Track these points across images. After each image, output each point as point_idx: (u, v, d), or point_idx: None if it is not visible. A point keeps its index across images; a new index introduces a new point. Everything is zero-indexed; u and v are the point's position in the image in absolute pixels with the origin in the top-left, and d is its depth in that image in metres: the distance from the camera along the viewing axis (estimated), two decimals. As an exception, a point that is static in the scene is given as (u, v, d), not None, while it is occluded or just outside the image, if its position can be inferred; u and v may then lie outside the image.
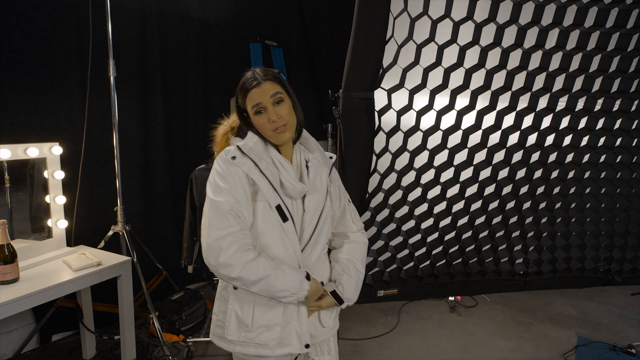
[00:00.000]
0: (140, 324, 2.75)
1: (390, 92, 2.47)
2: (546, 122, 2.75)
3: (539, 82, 2.63)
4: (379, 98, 2.48)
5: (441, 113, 2.56)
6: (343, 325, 2.81)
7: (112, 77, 2.44)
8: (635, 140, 2.89)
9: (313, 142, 1.23)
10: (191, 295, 2.93)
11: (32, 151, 2.10)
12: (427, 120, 2.60)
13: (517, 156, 2.81)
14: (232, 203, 1.09)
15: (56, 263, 2.11)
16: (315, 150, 1.22)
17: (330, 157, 1.26)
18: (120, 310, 2.22)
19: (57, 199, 2.23)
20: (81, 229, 2.61)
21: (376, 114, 2.51)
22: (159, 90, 3.11)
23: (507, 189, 2.89)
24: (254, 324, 1.15)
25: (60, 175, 2.24)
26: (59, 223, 2.25)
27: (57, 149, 2.21)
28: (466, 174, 2.80)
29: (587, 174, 2.97)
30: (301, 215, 1.16)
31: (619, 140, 2.89)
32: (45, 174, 2.20)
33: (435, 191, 2.83)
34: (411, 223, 2.90)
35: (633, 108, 2.78)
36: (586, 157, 2.90)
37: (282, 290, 1.09)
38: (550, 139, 2.80)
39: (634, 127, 2.83)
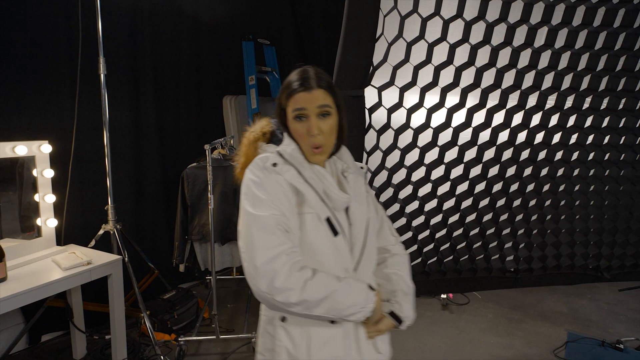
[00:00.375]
0: (132, 323, 2.73)
1: (380, 89, 2.48)
2: (535, 119, 2.77)
3: (528, 80, 2.65)
4: (370, 96, 2.49)
5: (431, 111, 2.58)
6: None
7: (102, 75, 2.43)
8: (623, 137, 2.92)
9: (346, 151, 1.14)
10: (183, 294, 2.93)
11: (21, 149, 2.08)
12: (418, 118, 2.61)
13: (507, 154, 2.83)
14: (278, 216, 0.95)
15: (45, 262, 2.10)
16: (348, 160, 1.13)
17: (361, 168, 1.18)
18: (111, 310, 2.21)
19: (46, 198, 2.22)
20: (71, 227, 2.59)
21: (366, 111, 2.52)
22: (151, 88, 3.11)
23: (497, 187, 2.91)
24: None
25: (49, 173, 2.22)
26: (48, 222, 2.24)
27: (46, 147, 2.20)
28: (457, 171, 2.81)
29: (576, 172, 2.99)
30: (348, 228, 1.04)
31: (607, 138, 2.91)
32: (34, 172, 2.18)
33: (426, 189, 2.84)
34: (402, 221, 2.91)
35: (620, 106, 2.81)
36: (575, 155, 2.92)
37: (351, 306, 0.96)
38: (539, 137, 2.82)
39: (621, 124, 2.86)
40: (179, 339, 2.49)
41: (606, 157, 2.99)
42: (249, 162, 1.04)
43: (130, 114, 2.99)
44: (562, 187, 3.04)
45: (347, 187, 1.07)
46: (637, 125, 2.88)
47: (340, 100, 1.04)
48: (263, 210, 0.95)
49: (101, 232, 2.52)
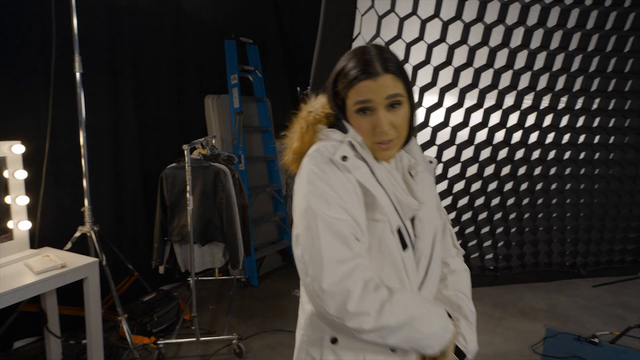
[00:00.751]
0: (111, 327, 2.68)
1: (360, 89, 2.49)
2: (513, 119, 2.81)
3: (506, 79, 2.69)
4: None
5: (411, 110, 2.60)
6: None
7: (78, 74, 2.37)
8: (597, 137, 2.99)
9: (414, 143, 0.93)
10: (163, 296, 2.89)
11: (-10, 150, 2.03)
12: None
13: (485, 153, 2.87)
14: (350, 223, 0.77)
15: (17, 266, 2.04)
16: (417, 154, 0.91)
17: (430, 162, 0.97)
18: (87, 314, 2.16)
19: (17, 200, 2.16)
20: (46, 230, 2.53)
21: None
22: (130, 86, 3.05)
23: (475, 186, 2.95)
24: None
25: (21, 175, 2.16)
26: (20, 225, 2.18)
27: (17, 148, 2.14)
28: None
29: (552, 171, 3.05)
30: (414, 240, 0.85)
31: (582, 138, 2.98)
32: (6, 173, 2.13)
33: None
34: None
35: (594, 106, 2.87)
36: (551, 154, 2.98)
37: (429, 336, 0.78)
38: (517, 136, 2.87)
39: (595, 124, 2.93)
40: (158, 342, 2.45)
41: (581, 157, 3.06)
42: (306, 149, 0.84)
43: (108, 114, 2.93)
44: (539, 186, 3.09)
45: (415, 190, 0.87)
46: (610, 125, 2.95)
47: (410, 86, 0.83)
48: (332, 213, 0.76)
49: (78, 234, 2.46)
